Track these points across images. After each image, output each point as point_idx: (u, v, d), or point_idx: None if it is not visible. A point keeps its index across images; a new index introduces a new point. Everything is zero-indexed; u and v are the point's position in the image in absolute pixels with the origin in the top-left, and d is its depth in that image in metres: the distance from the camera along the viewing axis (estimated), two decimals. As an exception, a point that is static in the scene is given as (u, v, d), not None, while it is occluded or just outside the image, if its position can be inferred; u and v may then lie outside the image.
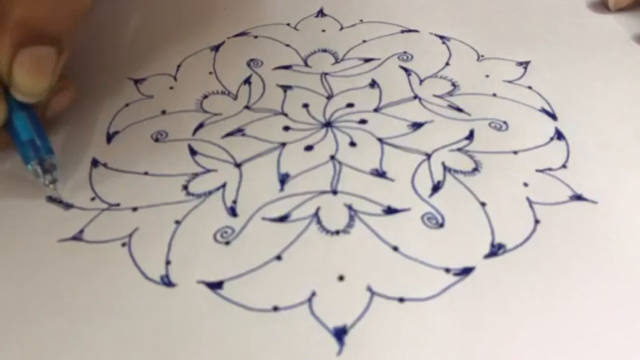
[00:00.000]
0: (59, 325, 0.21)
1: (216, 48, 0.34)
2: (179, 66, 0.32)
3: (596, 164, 0.26)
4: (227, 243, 0.23)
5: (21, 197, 0.26)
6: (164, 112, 0.29)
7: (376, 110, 0.29)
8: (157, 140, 0.28)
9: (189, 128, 0.28)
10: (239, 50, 0.34)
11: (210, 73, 0.32)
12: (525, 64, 0.32)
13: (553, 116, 0.28)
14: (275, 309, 0.21)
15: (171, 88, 0.31)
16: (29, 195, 0.25)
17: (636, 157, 0.26)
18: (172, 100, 0.30)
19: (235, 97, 0.30)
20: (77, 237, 0.24)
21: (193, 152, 0.27)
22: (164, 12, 0.37)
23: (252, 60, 0.33)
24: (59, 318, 0.21)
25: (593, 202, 0.24)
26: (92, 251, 0.23)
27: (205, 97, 0.30)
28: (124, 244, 0.23)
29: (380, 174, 0.25)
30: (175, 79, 0.32)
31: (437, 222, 0.23)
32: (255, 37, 0.34)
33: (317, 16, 0.36)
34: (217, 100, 0.30)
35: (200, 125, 0.28)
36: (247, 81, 0.31)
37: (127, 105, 0.30)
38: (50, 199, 0.25)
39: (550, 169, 0.25)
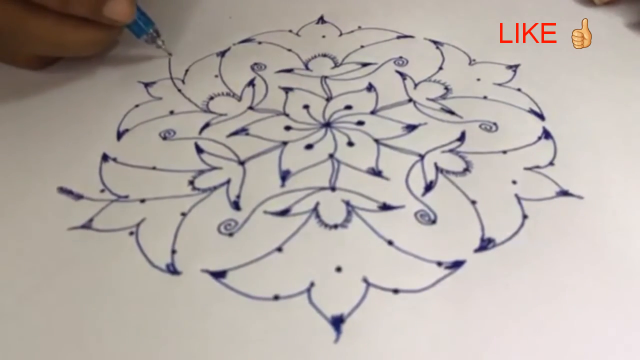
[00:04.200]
0: (66, 310, 0.21)
1: (222, 53, 0.33)
2: (186, 71, 0.32)
3: (582, 161, 0.26)
4: (231, 235, 0.23)
5: (33, 188, 0.25)
6: (172, 112, 0.29)
7: (373, 112, 0.29)
8: (165, 138, 0.28)
9: (195, 127, 0.28)
10: (243, 55, 0.33)
11: (216, 76, 0.32)
12: (514, 67, 0.31)
13: (541, 116, 0.28)
14: (276, 297, 0.21)
15: (179, 90, 0.31)
16: (40, 187, 0.25)
17: (621, 154, 0.26)
18: (180, 101, 0.30)
19: (240, 99, 0.30)
20: (87, 226, 0.24)
21: (199, 150, 0.27)
22: (173, 22, 0.36)
23: (255, 64, 0.32)
24: (66, 302, 0.21)
25: (579, 197, 0.24)
26: (101, 239, 0.23)
27: (211, 98, 0.30)
28: (131, 233, 0.23)
29: (376, 172, 0.25)
30: (183, 82, 0.31)
31: (429, 219, 0.23)
32: (259, 43, 0.34)
33: (317, 23, 0.36)
34: (223, 102, 0.30)
35: (207, 125, 0.28)
36: (251, 83, 0.31)
37: (137, 106, 0.30)
38: (62, 190, 0.25)
39: (538, 167, 0.25)
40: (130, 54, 0.33)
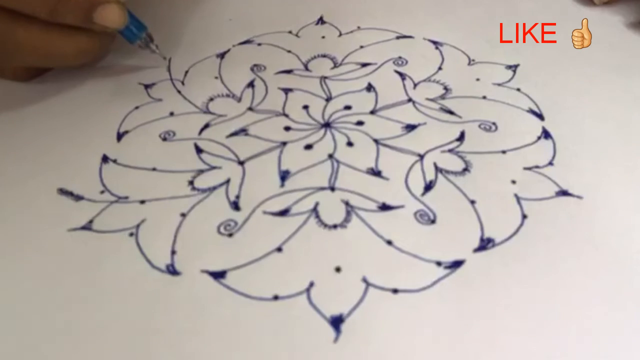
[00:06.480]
0: (66, 311, 0.21)
1: (222, 55, 0.33)
2: (186, 72, 0.32)
3: (581, 160, 0.25)
4: (230, 235, 0.23)
5: (33, 190, 0.25)
6: (171, 114, 0.29)
7: (372, 112, 0.29)
8: (165, 139, 0.28)
9: (195, 128, 0.28)
10: (243, 56, 0.33)
11: (216, 77, 0.32)
12: (514, 67, 0.31)
13: (540, 116, 0.28)
14: (275, 297, 0.21)
15: (179, 92, 0.31)
16: (41, 189, 0.25)
17: (619, 153, 0.26)
18: (180, 102, 0.30)
19: (239, 100, 0.30)
20: (87, 227, 0.23)
21: (199, 150, 0.27)
22: (173, 24, 0.36)
23: (255, 65, 0.32)
24: (66, 304, 0.21)
25: (578, 197, 0.24)
26: (101, 240, 0.23)
27: (211, 99, 0.30)
28: (131, 234, 0.23)
29: (375, 172, 0.25)
30: (183, 83, 0.31)
31: (429, 219, 0.23)
32: (259, 44, 0.34)
33: (317, 24, 0.36)
34: (222, 103, 0.30)
35: (206, 126, 0.28)
36: (251, 84, 0.31)
37: (137, 107, 0.30)
38: (62, 191, 0.25)
39: (537, 167, 0.25)
40: (128, 57, 0.33)
